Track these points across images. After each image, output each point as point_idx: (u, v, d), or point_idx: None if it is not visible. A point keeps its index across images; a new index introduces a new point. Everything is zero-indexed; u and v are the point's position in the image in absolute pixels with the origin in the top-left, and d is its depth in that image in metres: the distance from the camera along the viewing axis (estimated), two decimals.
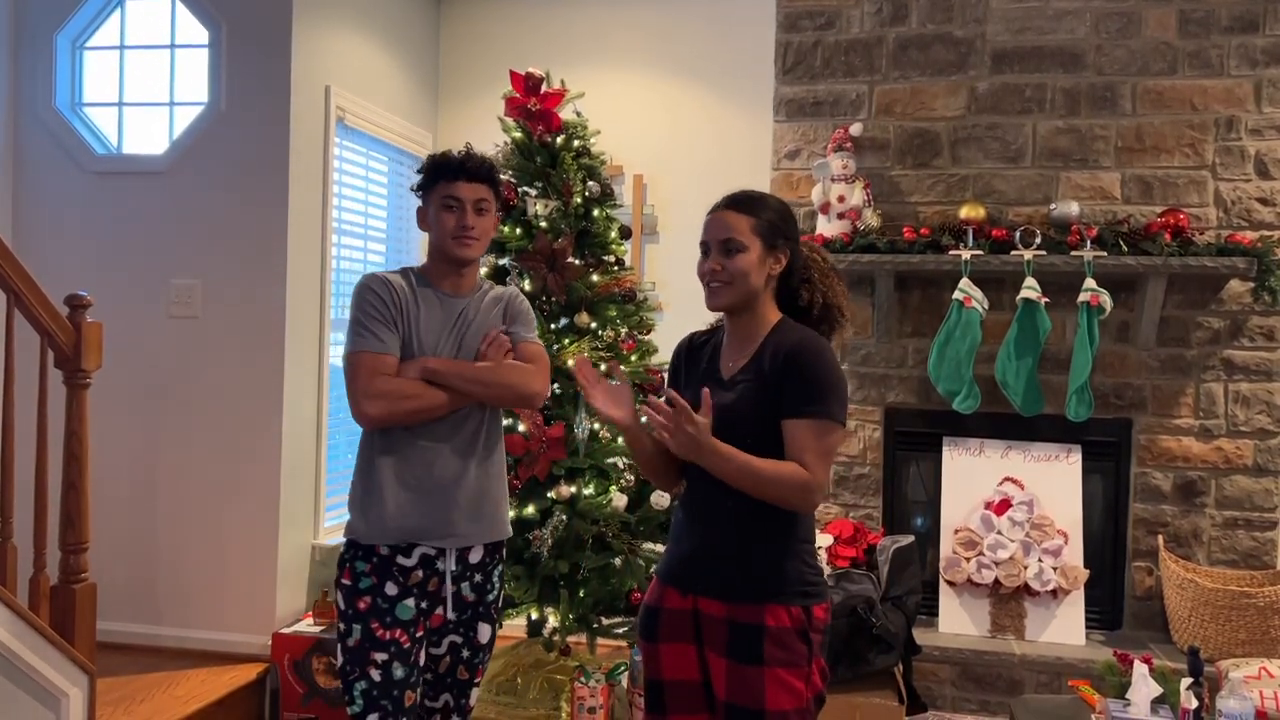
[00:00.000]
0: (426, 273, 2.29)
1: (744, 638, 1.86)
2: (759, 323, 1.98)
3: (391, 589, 2.15)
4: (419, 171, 2.29)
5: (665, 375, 2.23)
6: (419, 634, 2.18)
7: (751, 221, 1.94)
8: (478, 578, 2.26)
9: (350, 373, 2.15)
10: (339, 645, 2.16)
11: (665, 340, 3.25)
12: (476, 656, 2.29)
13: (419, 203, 2.31)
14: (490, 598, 2.30)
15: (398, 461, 2.18)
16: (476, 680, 2.31)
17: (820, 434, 1.86)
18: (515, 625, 3.66)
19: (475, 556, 2.24)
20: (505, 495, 2.34)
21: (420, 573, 2.18)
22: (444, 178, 2.22)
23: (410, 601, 2.16)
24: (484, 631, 2.29)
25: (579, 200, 3.49)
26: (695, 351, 2.09)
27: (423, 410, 2.14)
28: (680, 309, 4.36)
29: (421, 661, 2.21)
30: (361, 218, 4.23)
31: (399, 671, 2.12)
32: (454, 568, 2.21)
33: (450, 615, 2.23)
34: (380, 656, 2.11)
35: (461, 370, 2.18)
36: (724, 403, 1.91)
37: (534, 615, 3.50)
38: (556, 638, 3.39)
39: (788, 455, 1.86)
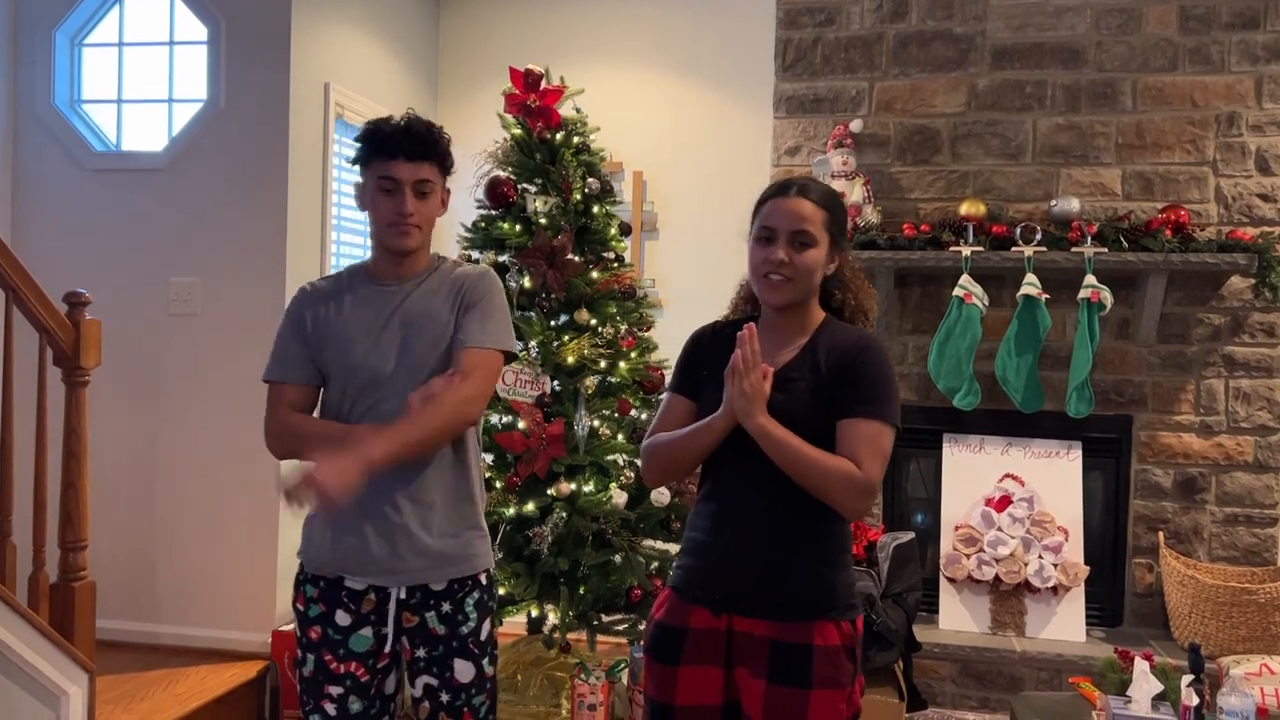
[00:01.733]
0: (371, 264, 2.05)
1: (790, 659, 1.72)
2: (807, 320, 1.86)
3: (343, 618, 1.95)
4: (356, 140, 1.99)
5: (667, 371, 2.08)
6: (381, 664, 1.98)
7: (825, 216, 1.80)
8: (445, 607, 1.96)
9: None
10: (297, 669, 2.01)
11: (664, 337, 3.25)
12: (458, 699, 1.96)
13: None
14: (465, 631, 1.97)
15: None
16: None
17: (879, 436, 1.74)
18: (515, 622, 3.66)
19: (438, 584, 1.96)
20: (474, 519, 2.03)
21: (373, 597, 1.95)
22: (380, 154, 1.93)
23: (367, 631, 1.95)
24: (462, 670, 1.96)
25: (579, 197, 3.48)
26: (721, 341, 1.89)
27: (318, 449, 1.81)
28: (680, 306, 4.36)
29: (389, 689, 2.02)
30: (361, 215, 4.22)
31: (355, 705, 1.95)
32: (403, 596, 1.95)
33: (419, 651, 1.97)
34: (335, 690, 1.94)
35: (400, 447, 1.81)
36: (774, 401, 1.74)
37: (534, 612, 3.49)
38: (556, 635, 3.39)
39: (842, 451, 1.73)
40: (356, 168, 2.05)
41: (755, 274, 1.82)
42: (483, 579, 2.04)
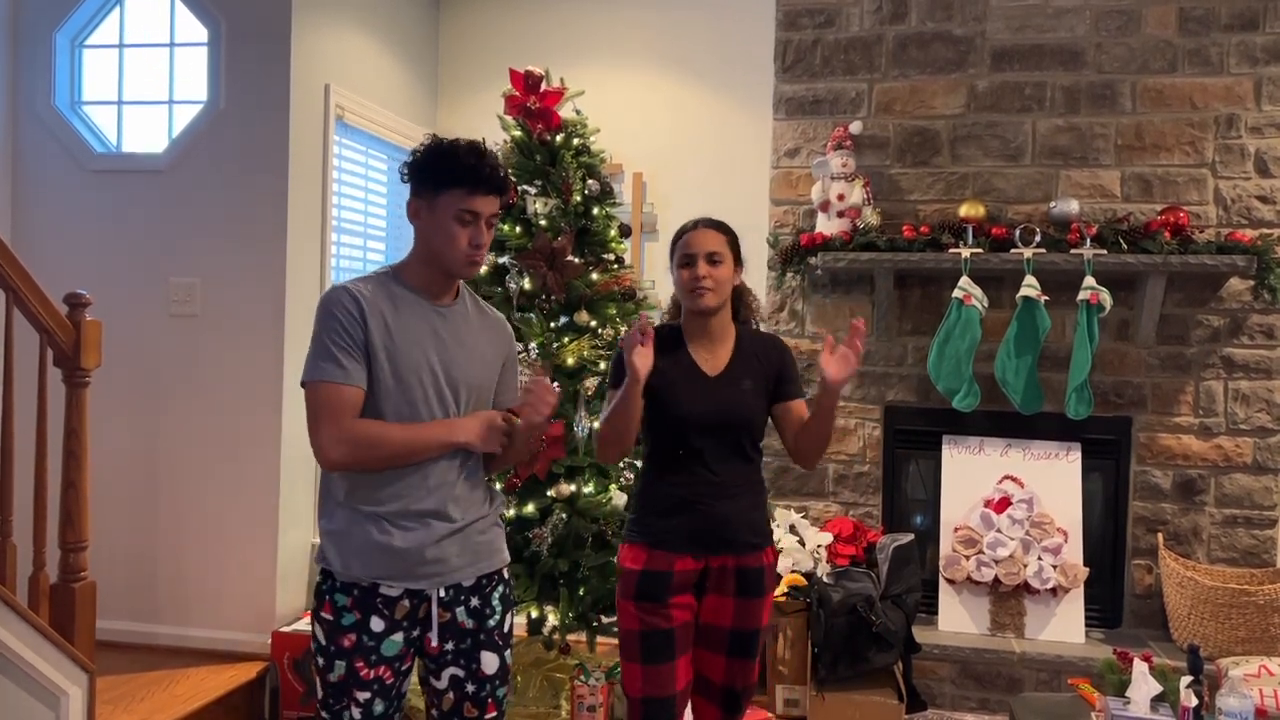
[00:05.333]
0: (407, 276, 2.04)
1: (752, 579, 2.30)
2: (727, 326, 2.37)
3: (377, 624, 1.97)
4: (423, 161, 1.99)
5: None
6: (405, 666, 2.03)
7: (726, 239, 2.34)
8: (474, 602, 2.05)
9: (311, 406, 1.92)
10: (318, 678, 2.00)
11: None
12: (483, 690, 2.05)
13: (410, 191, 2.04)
14: (492, 624, 2.07)
15: (365, 487, 1.98)
16: (489, 716, 2.08)
17: None
18: (515, 624, 3.66)
19: (468, 581, 2.05)
20: (496, 516, 2.15)
21: (407, 603, 1.99)
22: (464, 184, 1.94)
23: (398, 636, 1.99)
24: (489, 661, 2.06)
25: (578, 198, 3.48)
26: (660, 342, 2.31)
27: (397, 458, 1.94)
28: None
29: (405, 688, 2.06)
30: (361, 215, 4.23)
31: (379, 707, 1.99)
32: (443, 594, 2.02)
33: (447, 645, 2.04)
34: (363, 696, 1.97)
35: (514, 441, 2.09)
36: (725, 394, 2.29)
37: (534, 614, 3.50)
38: (556, 636, 3.39)
39: (796, 427, 2.34)
40: (407, 178, 2.04)
41: (684, 289, 2.32)
42: (505, 573, 2.15)
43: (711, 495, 2.28)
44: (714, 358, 2.34)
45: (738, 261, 2.38)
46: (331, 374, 1.91)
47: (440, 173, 1.96)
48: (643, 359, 2.17)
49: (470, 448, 2.02)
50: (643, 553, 2.29)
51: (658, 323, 2.39)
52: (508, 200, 2.10)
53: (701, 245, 2.31)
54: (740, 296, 2.44)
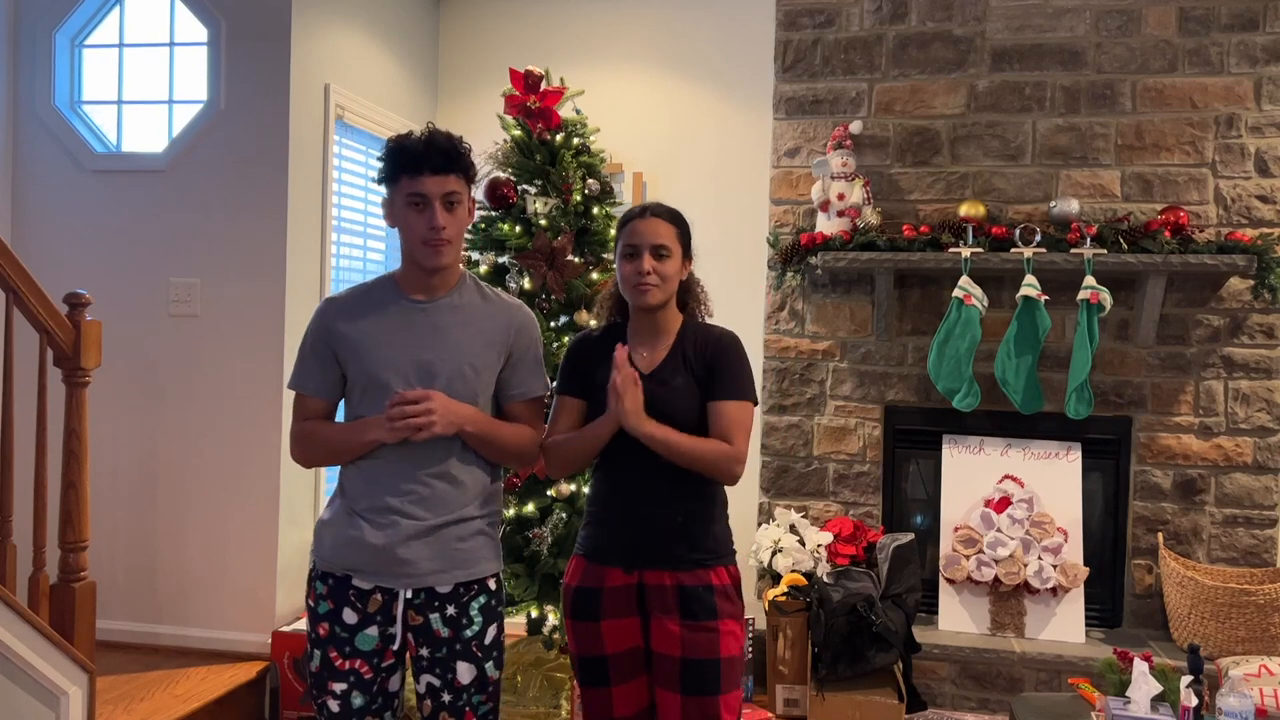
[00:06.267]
0: (398, 277, 2.07)
1: (697, 599, 2.07)
2: (671, 321, 2.19)
3: (350, 616, 1.98)
4: (381, 163, 2.01)
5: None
6: (386, 663, 2.01)
7: (675, 230, 2.16)
8: (450, 610, 2.00)
9: None
10: (306, 662, 2.05)
11: None
12: (460, 699, 2.01)
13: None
14: (469, 634, 2.01)
15: (358, 478, 2.02)
16: None
17: (742, 413, 2.12)
18: (515, 623, 3.66)
19: (444, 587, 2.00)
20: (484, 526, 2.08)
21: (379, 597, 1.99)
22: (406, 171, 1.94)
23: (373, 630, 1.98)
24: (464, 671, 2.00)
25: (578, 198, 3.48)
26: (600, 345, 2.21)
27: (331, 456, 2.06)
28: None
29: (394, 686, 2.04)
30: (361, 216, 4.23)
31: (358, 700, 1.99)
32: (410, 595, 1.99)
33: (423, 650, 2.01)
34: (338, 687, 1.98)
35: (488, 429, 2.03)
36: (656, 394, 2.09)
37: (534, 613, 3.50)
38: (556, 636, 3.39)
39: (715, 431, 2.09)
40: (380, 185, 2.06)
41: (627, 284, 2.14)
42: (490, 583, 2.07)
43: (642, 500, 2.11)
44: (652, 354, 2.17)
45: (687, 254, 2.20)
46: (294, 381, 2.10)
47: (389, 168, 1.99)
48: (634, 400, 2.03)
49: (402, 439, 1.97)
50: (580, 566, 2.16)
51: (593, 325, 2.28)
52: (472, 174, 2.04)
53: (648, 237, 2.11)
54: (688, 289, 2.25)
